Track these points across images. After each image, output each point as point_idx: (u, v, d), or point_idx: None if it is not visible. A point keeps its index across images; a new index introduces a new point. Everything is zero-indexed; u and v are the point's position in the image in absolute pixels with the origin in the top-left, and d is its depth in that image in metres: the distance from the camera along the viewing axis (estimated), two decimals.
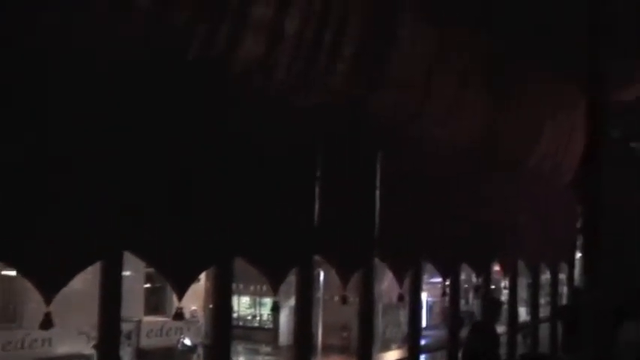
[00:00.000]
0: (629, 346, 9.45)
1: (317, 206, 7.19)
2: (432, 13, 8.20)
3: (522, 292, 14.38)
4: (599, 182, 7.45)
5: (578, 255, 14.33)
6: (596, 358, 7.51)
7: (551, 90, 11.22)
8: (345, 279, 7.60)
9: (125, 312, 5.96)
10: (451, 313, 10.41)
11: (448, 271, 9.70)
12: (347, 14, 7.09)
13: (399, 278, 8.44)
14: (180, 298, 6.02)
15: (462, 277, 13.14)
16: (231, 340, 7.07)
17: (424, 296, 13.46)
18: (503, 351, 11.63)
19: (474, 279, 11.44)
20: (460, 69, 8.99)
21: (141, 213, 5.64)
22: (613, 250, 7.91)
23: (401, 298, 8.71)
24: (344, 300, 7.63)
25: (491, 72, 9.51)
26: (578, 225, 13.91)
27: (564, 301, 15.30)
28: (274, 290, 6.85)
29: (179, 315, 6.54)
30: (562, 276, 15.17)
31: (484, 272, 10.86)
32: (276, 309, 9.01)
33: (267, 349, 18.75)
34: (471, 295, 13.87)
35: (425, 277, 12.72)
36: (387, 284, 10.51)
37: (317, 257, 7.64)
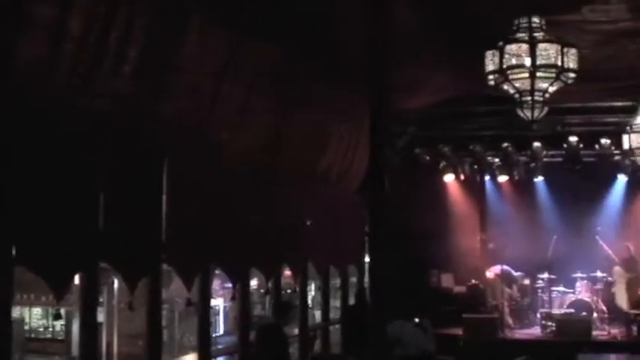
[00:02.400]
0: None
1: (101, 212, 7.06)
2: (221, 18, 8.26)
3: (319, 296, 14.71)
4: (383, 188, 7.73)
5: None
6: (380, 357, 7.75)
7: (338, 99, 11.56)
8: (131, 285, 7.50)
9: None
10: (241, 317, 10.49)
11: (237, 275, 9.78)
12: (133, 17, 7.02)
13: (187, 283, 8.42)
14: None
15: (257, 282, 13.29)
16: (10, 352, 6.79)
17: (220, 302, 13.49)
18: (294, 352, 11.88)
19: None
20: (249, 75, 9.10)
21: None
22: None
23: (189, 303, 8.69)
24: (130, 306, 7.54)
25: (280, 79, 9.69)
26: (367, 229, 14.44)
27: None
28: (57, 298, 6.66)
29: None
30: (353, 279, 15.63)
31: (274, 276, 11.03)
32: (58, 317, 8.74)
33: None
34: (267, 300, 14.02)
35: (221, 282, 12.78)
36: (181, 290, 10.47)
37: (104, 264, 7.49)
